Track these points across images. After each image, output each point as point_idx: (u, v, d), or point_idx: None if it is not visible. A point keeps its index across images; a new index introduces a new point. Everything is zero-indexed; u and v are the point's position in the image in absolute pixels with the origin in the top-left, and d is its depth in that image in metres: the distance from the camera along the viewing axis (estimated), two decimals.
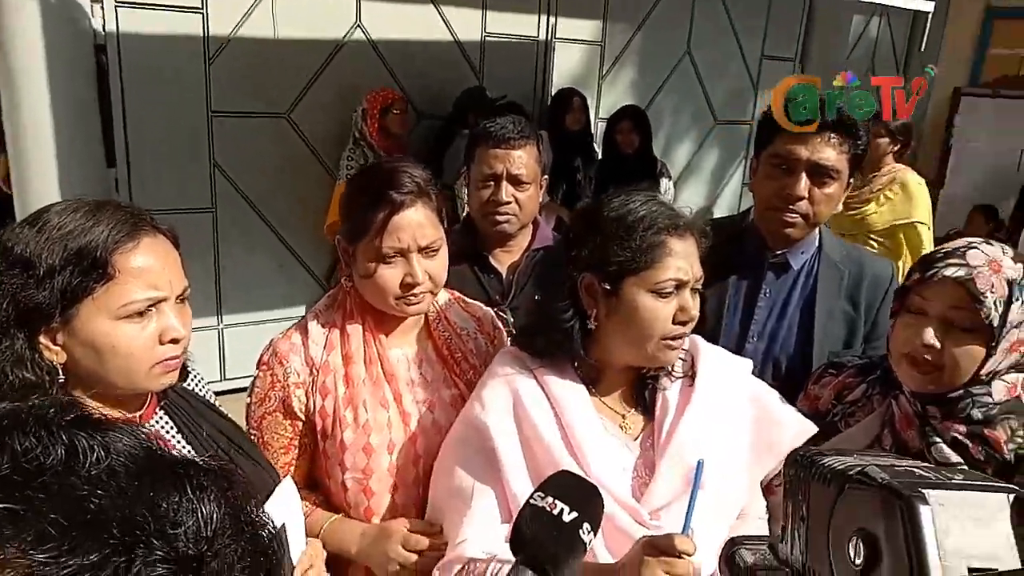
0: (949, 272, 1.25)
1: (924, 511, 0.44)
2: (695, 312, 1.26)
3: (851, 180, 1.70)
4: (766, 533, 1.33)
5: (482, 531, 1.23)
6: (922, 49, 6.94)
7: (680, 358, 1.34)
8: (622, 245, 1.24)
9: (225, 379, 4.34)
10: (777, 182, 1.67)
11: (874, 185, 3.94)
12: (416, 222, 1.38)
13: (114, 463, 0.40)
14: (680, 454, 1.23)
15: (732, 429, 1.30)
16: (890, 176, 3.96)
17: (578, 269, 1.29)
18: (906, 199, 3.90)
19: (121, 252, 1.03)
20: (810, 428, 1.37)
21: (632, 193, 1.30)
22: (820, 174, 1.64)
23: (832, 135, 1.61)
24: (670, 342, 1.25)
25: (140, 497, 0.39)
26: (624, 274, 1.25)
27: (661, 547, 1.06)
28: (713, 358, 1.37)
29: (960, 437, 1.30)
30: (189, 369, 1.22)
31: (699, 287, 1.28)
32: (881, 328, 1.78)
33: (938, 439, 1.31)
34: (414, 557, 1.37)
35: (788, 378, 1.73)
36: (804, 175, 1.64)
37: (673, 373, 1.33)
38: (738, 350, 1.70)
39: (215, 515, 0.41)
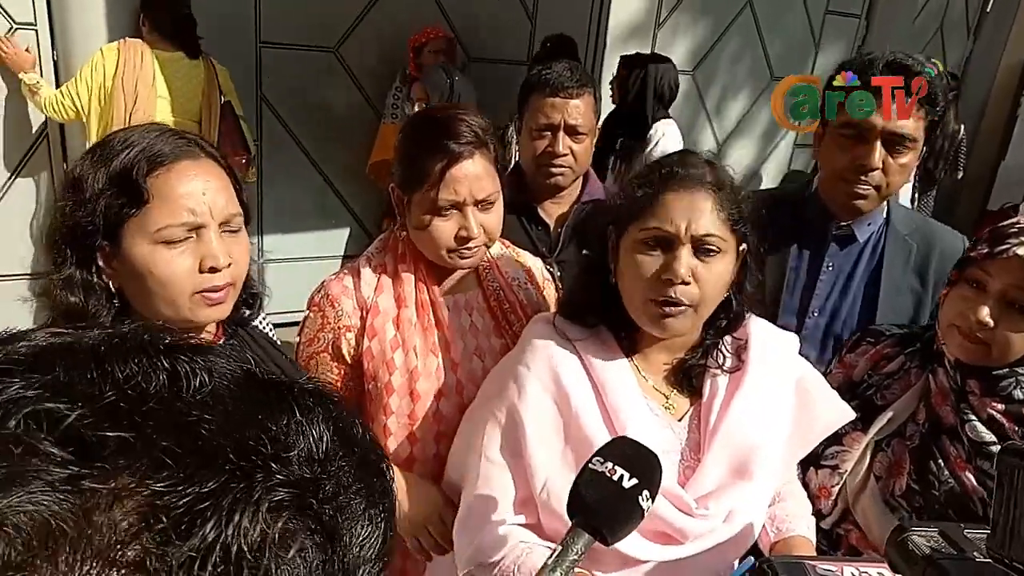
0: (1022, 251, 1.22)
1: None
2: (681, 271, 1.14)
3: (925, 147, 1.61)
4: (809, 506, 1.32)
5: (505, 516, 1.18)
6: (988, 11, 6.58)
7: (734, 338, 1.28)
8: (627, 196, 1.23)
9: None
10: (848, 152, 1.58)
11: None
12: (473, 174, 1.34)
13: (218, 387, 0.39)
14: (730, 439, 1.19)
15: (777, 415, 1.25)
16: None
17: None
18: None
19: (155, 175, 1.02)
20: (848, 414, 1.32)
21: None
22: (896, 143, 1.55)
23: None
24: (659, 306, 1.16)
25: (250, 420, 0.38)
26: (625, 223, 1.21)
27: None
28: (764, 340, 1.29)
29: (997, 415, 1.29)
30: (263, 305, 1.24)
31: (707, 247, 1.15)
32: None
33: (973, 416, 1.31)
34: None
35: None
36: (879, 144, 1.55)
37: (722, 358, 1.26)
38: (799, 326, 1.66)
39: (325, 436, 0.40)
